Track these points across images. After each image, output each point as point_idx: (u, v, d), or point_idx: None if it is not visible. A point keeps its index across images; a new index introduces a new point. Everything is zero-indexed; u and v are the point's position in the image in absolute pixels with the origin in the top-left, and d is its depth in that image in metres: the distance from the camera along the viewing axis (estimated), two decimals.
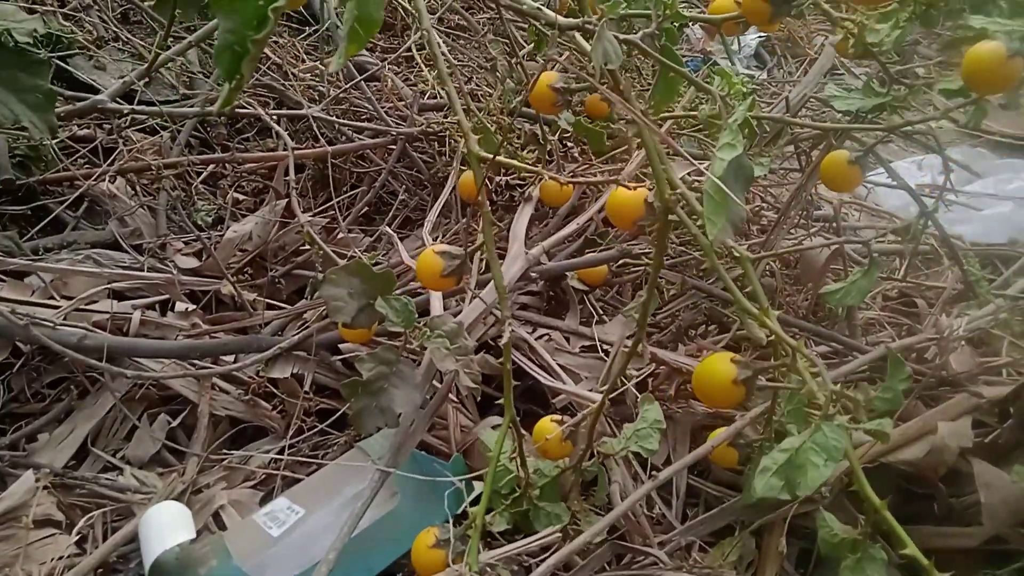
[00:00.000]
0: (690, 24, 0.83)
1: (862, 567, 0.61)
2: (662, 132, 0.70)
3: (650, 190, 0.80)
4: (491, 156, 0.72)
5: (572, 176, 1.14)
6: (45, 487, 0.94)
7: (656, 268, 0.68)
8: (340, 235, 1.21)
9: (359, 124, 1.35)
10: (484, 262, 1.10)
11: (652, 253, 0.73)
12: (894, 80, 0.87)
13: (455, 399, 0.98)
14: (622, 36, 0.73)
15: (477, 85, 1.47)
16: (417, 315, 0.80)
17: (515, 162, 0.74)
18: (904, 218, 1.46)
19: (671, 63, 0.74)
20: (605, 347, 1.02)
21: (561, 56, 1.26)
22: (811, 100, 1.24)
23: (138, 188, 1.26)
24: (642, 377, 0.94)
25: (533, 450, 0.83)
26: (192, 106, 1.38)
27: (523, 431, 0.80)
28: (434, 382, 0.93)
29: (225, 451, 1.01)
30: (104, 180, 1.20)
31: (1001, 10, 0.72)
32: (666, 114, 1.00)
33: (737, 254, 0.71)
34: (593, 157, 1.22)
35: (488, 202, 1.13)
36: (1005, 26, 0.70)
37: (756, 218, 1.30)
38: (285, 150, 1.18)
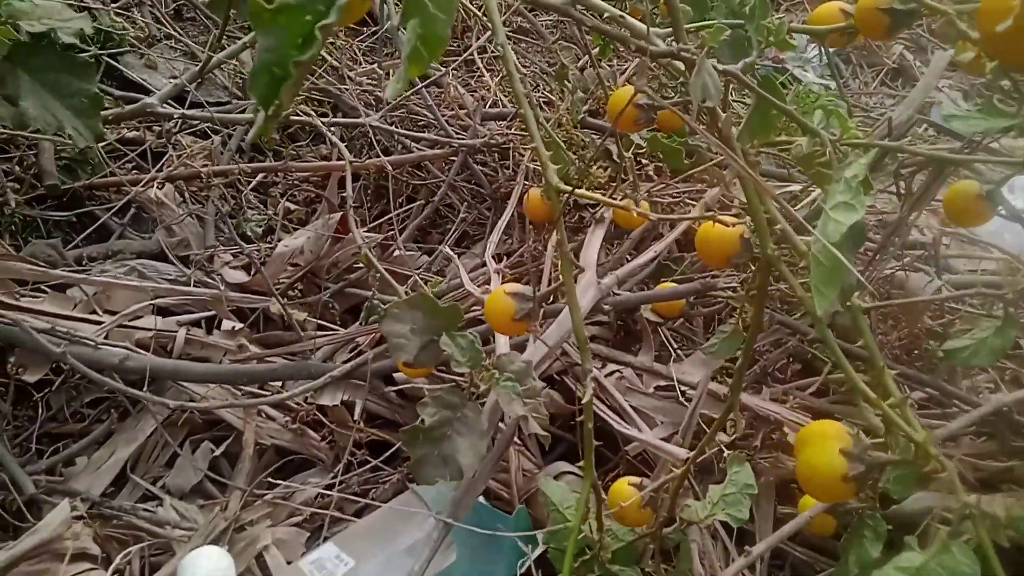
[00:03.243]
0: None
1: None
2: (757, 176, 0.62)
3: (747, 227, 0.72)
4: (570, 189, 0.64)
5: (649, 197, 1.05)
6: (81, 517, 0.89)
7: (753, 335, 0.60)
8: (396, 252, 1.14)
9: (418, 135, 1.27)
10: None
11: (748, 313, 0.65)
12: None
13: (517, 440, 0.91)
14: (720, 67, 0.64)
15: (543, 93, 1.39)
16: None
17: (597, 195, 0.66)
18: (1000, 246, 1.35)
19: (773, 98, 0.65)
20: (683, 387, 0.93)
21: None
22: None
23: (187, 195, 1.20)
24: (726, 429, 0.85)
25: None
26: (245, 110, 1.32)
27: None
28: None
29: (270, 484, 0.95)
30: (152, 187, 1.15)
31: None
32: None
33: (848, 303, 0.63)
34: (670, 174, 1.14)
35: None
36: None
37: None
38: (340, 159, 1.12)
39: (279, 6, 0.37)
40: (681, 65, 0.68)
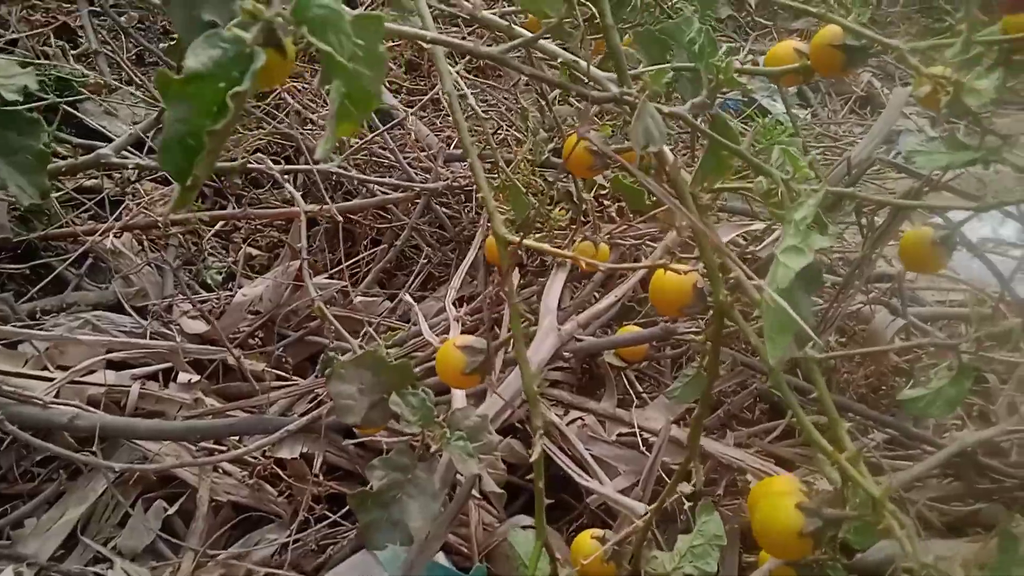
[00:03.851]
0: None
1: None
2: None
3: (701, 274, 0.70)
4: (518, 240, 0.64)
5: (610, 239, 1.04)
6: None
7: (709, 385, 0.58)
8: (357, 298, 1.12)
9: (380, 180, 1.26)
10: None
11: (705, 359, 0.64)
12: (987, 132, 0.76)
13: (478, 493, 0.89)
14: (666, 109, 0.63)
15: (507, 130, 1.38)
16: (435, 403, 0.71)
17: (545, 246, 0.65)
18: (963, 275, 1.34)
19: (724, 140, 0.64)
20: (646, 434, 0.91)
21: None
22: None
23: (145, 244, 1.18)
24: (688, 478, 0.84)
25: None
26: None
27: (556, 531, 0.70)
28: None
29: (226, 542, 0.93)
30: (108, 236, 1.13)
31: None
32: None
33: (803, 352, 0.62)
34: (633, 215, 1.13)
35: (516, 266, 1.04)
36: None
37: None
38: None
39: (189, 76, 0.35)
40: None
